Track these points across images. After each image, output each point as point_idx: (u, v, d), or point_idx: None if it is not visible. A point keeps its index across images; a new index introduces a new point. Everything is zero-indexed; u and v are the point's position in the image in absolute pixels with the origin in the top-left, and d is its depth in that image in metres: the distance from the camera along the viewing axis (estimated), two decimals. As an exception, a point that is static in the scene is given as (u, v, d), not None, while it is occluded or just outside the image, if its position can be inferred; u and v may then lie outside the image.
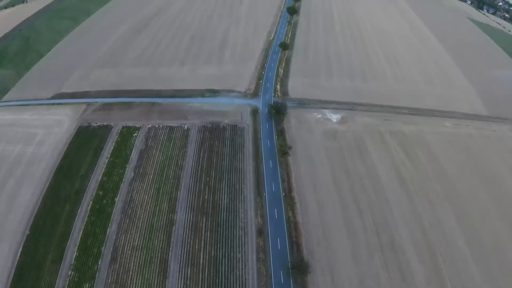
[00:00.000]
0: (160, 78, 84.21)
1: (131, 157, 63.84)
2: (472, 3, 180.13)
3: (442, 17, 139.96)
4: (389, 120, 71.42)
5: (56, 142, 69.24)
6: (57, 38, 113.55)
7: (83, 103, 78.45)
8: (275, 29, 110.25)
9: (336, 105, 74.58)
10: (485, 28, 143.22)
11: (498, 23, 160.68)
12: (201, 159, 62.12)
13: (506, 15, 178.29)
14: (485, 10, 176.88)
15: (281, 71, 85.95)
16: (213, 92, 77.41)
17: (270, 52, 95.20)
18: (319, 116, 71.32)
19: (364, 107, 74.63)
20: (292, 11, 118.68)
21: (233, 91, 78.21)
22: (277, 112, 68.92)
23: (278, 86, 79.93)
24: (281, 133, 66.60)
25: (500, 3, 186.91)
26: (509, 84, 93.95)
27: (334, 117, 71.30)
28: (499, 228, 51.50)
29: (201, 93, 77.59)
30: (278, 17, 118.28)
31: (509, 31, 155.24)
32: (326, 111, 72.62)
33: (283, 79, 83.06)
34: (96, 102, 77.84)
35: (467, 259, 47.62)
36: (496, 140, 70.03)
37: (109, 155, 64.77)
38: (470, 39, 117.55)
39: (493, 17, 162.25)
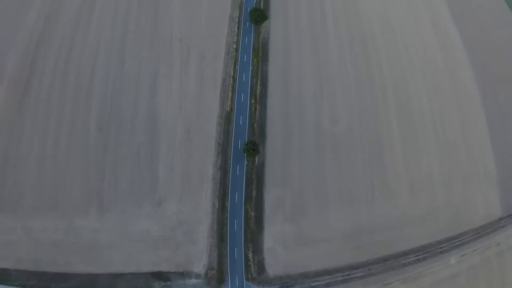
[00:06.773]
0: (82, 248, 57.88)
1: None
2: None
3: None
4: (389, 285, 57.26)
5: None
6: None
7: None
8: (232, 74, 68.96)
9: (328, 277, 56.92)
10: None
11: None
12: None
13: None
14: None
15: (251, 212, 59.68)
16: (163, 281, 56.09)
17: (230, 157, 63.07)
18: (307, 312, 55.89)
19: (363, 270, 57.53)
20: (259, 16, 69.69)
21: (189, 274, 56.07)
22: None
23: (250, 254, 57.32)
24: None
25: None
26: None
27: (325, 307, 56.15)
28: None
29: (147, 283, 56.38)
30: (235, 35, 71.35)
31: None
32: (315, 297, 56.40)
33: (256, 232, 58.64)
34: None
35: None
36: (496, 261, 61.19)
37: None
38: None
39: None
